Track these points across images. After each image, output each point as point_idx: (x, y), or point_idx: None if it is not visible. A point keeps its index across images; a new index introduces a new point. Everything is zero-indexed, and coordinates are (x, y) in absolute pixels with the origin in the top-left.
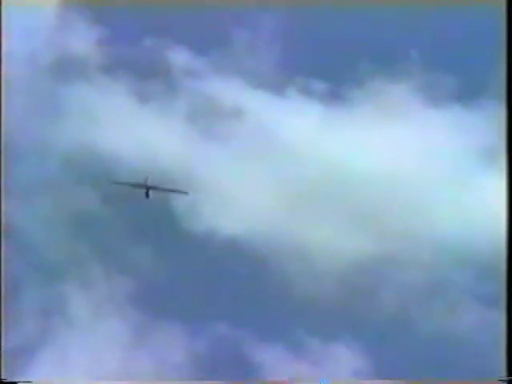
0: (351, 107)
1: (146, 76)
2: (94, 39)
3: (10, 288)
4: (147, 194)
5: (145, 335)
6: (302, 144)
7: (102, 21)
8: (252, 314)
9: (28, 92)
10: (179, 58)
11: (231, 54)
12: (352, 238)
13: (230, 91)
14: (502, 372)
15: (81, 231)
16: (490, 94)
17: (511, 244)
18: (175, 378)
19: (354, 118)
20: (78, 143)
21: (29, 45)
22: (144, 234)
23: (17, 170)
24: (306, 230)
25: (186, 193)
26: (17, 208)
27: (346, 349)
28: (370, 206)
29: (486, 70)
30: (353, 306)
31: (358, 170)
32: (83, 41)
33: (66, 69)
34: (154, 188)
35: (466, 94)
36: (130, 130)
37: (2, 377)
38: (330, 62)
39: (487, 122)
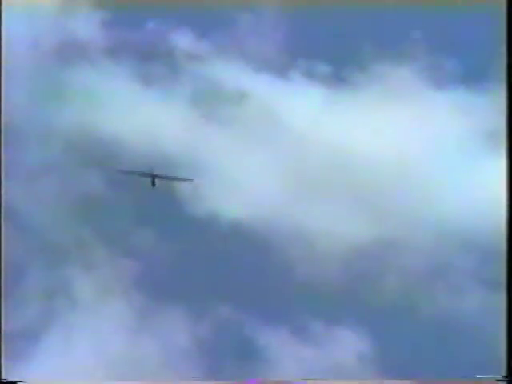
0: (355, 90)
1: (149, 59)
2: (97, 22)
3: (14, 271)
4: (153, 183)
5: (149, 318)
6: (306, 127)
7: (104, 4)
8: (255, 297)
9: (30, 75)
10: (182, 41)
11: (234, 37)
12: (355, 222)
13: (233, 74)
14: (502, 371)
15: (84, 214)
16: (494, 77)
17: None
18: (179, 361)
19: (357, 101)
20: (80, 126)
21: (31, 28)
22: (147, 218)
23: (19, 153)
24: (309, 214)
25: (191, 180)
26: (20, 191)
27: (349, 332)
28: (373, 190)
29: (490, 52)
30: (356, 289)
31: (361, 153)
32: (86, 24)
33: (68, 52)
34: (160, 177)
35: (470, 77)
36: (133, 113)
37: (2, 376)
38: (334, 45)
39: (492, 105)
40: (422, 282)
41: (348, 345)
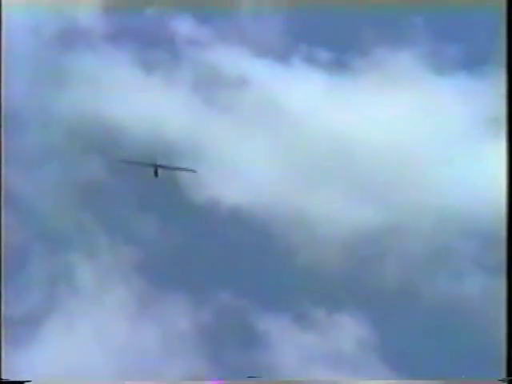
0: (356, 76)
1: (150, 45)
2: (98, 8)
3: (15, 257)
4: (156, 173)
5: (150, 304)
6: (306, 113)
7: None
8: (256, 283)
9: (32, 61)
10: (183, 26)
11: (235, 23)
12: (356, 207)
13: (234, 60)
14: (502, 372)
15: (86, 201)
16: (496, 62)
17: None
18: (180, 349)
19: (358, 86)
20: (82, 112)
21: (32, 15)
22: (148, 204)
23: (21, 140)
24: (309, 200)
25: (195, 171)
26: (21, 177)
27: (350, 318)
28: (374, 176)
29: (491, 38)
30: (357, 275)
31: (361, 138)
32: (87, 10)
33: (69, 38)
34: (163, 167)
35: (472, 62)
36: (135, 99)
37: (2, 376)
38: (335, 31)
39: (494, 91)
40: (422, 267)
41: (349, 331)
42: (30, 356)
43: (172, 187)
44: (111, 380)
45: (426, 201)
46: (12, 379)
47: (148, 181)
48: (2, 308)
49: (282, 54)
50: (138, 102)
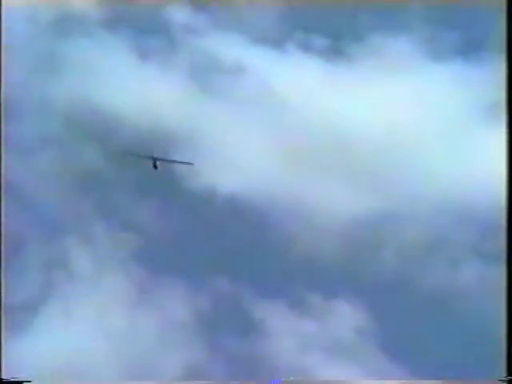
0: (352, 62)
1: (146, 32)
2: None
3: (14, 244)
4: (155, 166)
5: (147, 291)
6: (303, 100)
7: None
8: (253, 271)
9: (28, 49)
10: (179, 13)
11: (231, 10)
12: (352, 194)
13: (230, 47)
14: (502, 372)
15: (84, 188)
16: (493, 49)
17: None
18: (178, 335)
19: (354, 73)
20: (79, 100)
21: (28, 2)
22: (146, 192)
23: (18, 127)
24: (306, 186)
25: (192, 164)
26: (19, 165)
27: (347, 305)
28: (371, 163)
29: (489, 24)
30: (353, 262)
31: (358, 125)
32: None
33: (66, 26)
34: (161, 160)
35: (469, 49)
36: (131, 86)
37: (3, 376)
38: (331, 17)
39: (491, 77)
40: (420, 255)
41: (345, 318)
42: (28, 342)
43: (169, 175)
44: (111, 380)
45: (423, 189)
46: (12, 379)
47: (145, 169)
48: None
49: (278, 41)
50: (135, 89)
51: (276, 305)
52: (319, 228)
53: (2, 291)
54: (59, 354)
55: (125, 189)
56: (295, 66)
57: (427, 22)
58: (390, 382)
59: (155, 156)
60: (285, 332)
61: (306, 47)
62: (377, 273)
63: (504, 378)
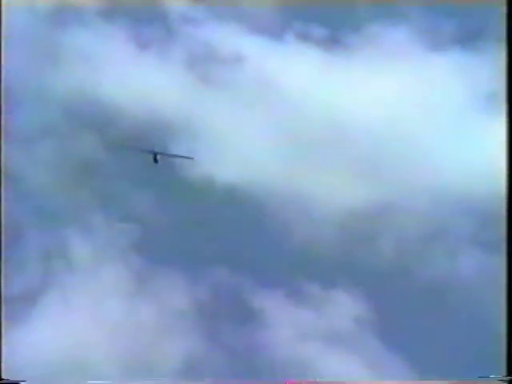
0: (350, 52)
1: (144, 22)
2: None
3: (12, 234)
4: (155, 160)
5: (146, 281)
6: (301, 90)
7: None
8: (252, 260)
9: (27, 39)
10: (177, 3)
11: (230, 0)
12: (351, 185)
13: (228, 37)
14: (502, 372)
15: (82, 177)
16: (492, 38)
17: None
18: (177, 326)
19: (353, 63)
20: (77, 90)
21: None
22: (145, 182)
23: (17, 117)
24: (305, 177)
25: (192, 158)
26: (18, 154)
27: (345, 295)
28: (370, 153)
29: (488, 13)
30: (352, 252)
31: (357, 116)
32: None
33: (64, 15)
34: (162, 154)
35: (468, 38)
36: (129, 76)
37: (3, 376)
38: (329, 7)
39: (490, 67)
40: (419, 245)
41: (344, 308)
42: (27, 332)
43: (168, 166)
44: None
45: (422, 179)
46: (12, 379)
47: (144, 160)
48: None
49: (276, 31)
50: (133, 78)
51: (275, 295)
52: (318, 219)
53: (2, 282)
54: (58, 343)
55: (124, 179)
56: (294, 56)
57: (426, 11)
58: (390, 383)
59: (156, 150)
60: (283, 322)
61: (305, 37)
62: (375, 263)
63: (504, 378)
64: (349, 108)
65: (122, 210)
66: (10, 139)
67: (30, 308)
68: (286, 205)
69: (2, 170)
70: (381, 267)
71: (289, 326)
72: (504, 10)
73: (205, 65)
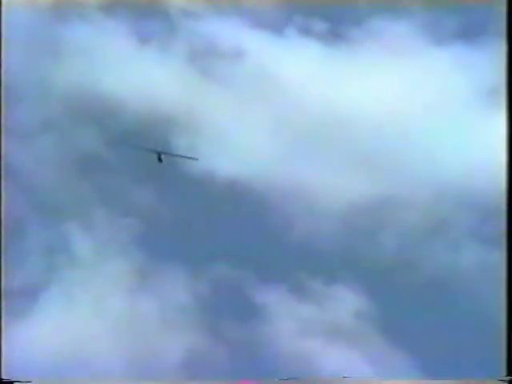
0: (352, 47)
1: (145, 16)
2: None
3: (13, 229)
4: (160, 159)
5: (148, 276)
6: (303, 84)
7: None
8: (253, 255)
9: (27, 33)
10: None
11: None
12: (353, 179)
13: (229, 31)
14: (502, 372)
15: (83, 172)
16: (495, 33)
17: None
18: (178, 321)
19: (354, 57)
20: (78, 84)
21: None
22: (146, 176)
23: (17, 112)
24: (306, 171)
25: (197, 159)
26: (19, 149)
27: (348, 290)
28: (371, 147)
29: (490, 8)
30: (354, 247)
31: (358, 110)
32: None
33: (65, 9)
34: (166, 153)
35: (470, 33)
36: (130, 71)
37: (2, 376)
38: (330, 1)
39: (492, 62)
40: (421, 239)
41: (345, 303)
42: (29, 328)
43: (169, 159)
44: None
45: (423, 172)
46: (13, 375)
47: (145, 154)
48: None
49: (277, 26)
50: (134, 73)
51: (276, 289)
52: (319, 213)
53: (3, 277)
54: (60, 338)
55: (125, 174)
56: (295, 50)
57: (428, 5)
58: (393, 382)
59: (160, 150)
60: (285, 316)
61: (306, 31)
62: (377, 257)
63: (504, 378)
64: (350, 102)
65: (124, 204)
66: (10, 134)
67: (32, 303)
68: (288, 199)
69: (3, 164)
70: (383, 261)
71: (291, 320)
72: (504, 7)
73: (206, 59)
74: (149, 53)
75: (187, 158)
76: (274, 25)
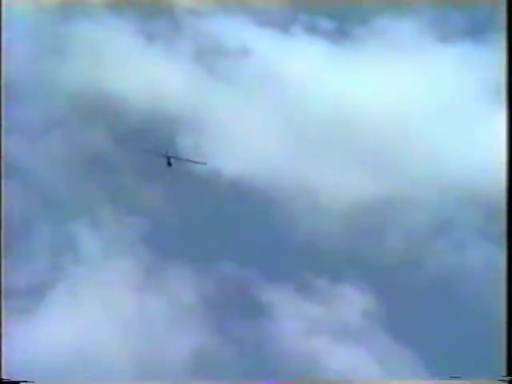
0: (358, 45)
1: (151, 15)
2: None
3: (20, 227)
4: (169, 163)
5: (155, 275)
6: (308, 83)
7: None
8: (259, 254)
9: (34, 32)
10: None
11: None
12: (358, 177)
13: (235, 30)
14: (502, 372)
15: (90, 171)
16: (498, 30)
17: None
18: (185, 319)
19: (360, 55)
20: (84, 83)
21: None
22: (152, 175)
23: (25, 110)
24: (311, 170)
25: (205, 163)
26: (25, 147)
27: (353, 289)
28: (376, 146)
29: (494, 5)
30: (359, 245)
31: (363, 108)
32: None
33: (71, 8)
34: (175, 157)
35: (475, 30)
36: (136, 69)
37: (2, 376)
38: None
39: (496, 59)
40: (425, 238)
41: (352, 302)
42: (36, 326)
43: (178, 163)
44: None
45: (427, 171)
46: (12, 379)
47: (152, 153)
48: (4, 278)
49: (283, 24)
50: (140, 71)
51: (283, 288)
52: (324, 212)
53: (8, 274)
54: (66, 336)
55: (132, 173)
56: (301, 48)
57: (433, 3)
58: (389, 382)
59: (169, 154)
60: (291, 315)
61: (312, 30)
62: (382, 256)
63: (504, 378)
64: (356, 101)
65: (131, 203)
66: (17, 133)
67: (38, 301)
68: (293, 198)
69: (8, 163)
70: (388, 260)
71: (297, 319)
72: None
73: (211, 58)
74: (155, 51)
75: (196, 162)
76: (280, 23)
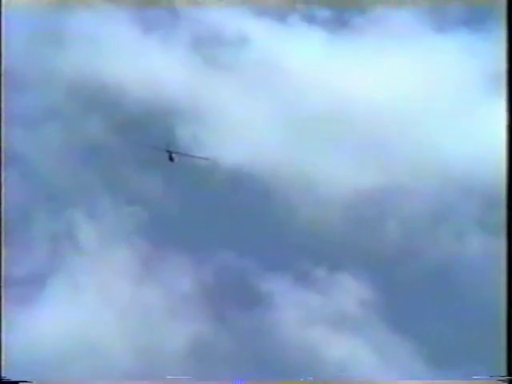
0: (356, 34)
1: (149, 4)
2: None
3: (19, 217)
4: (171, 158)
5: (153, 264)
6: (306, 72)
7: None
8: (258, 244)
9: (31, 22)
10: None
11: None
12: (357, 167)
13: (233, 19)
14: (502, 372)
15: (88, 160)
16: (497, 19)
17: None
18: (184, 309)
19: (358, 44)
20: (82, 72)
21: None
22: (150, 165)
23: (23, 100)
24: (310, 160)
25: (208, 159)
26: (24, 137)
27: (352, 278)
28: (375, 135)
29: None
30: (358, 235)
31: (362, 97)
32: None
33: None
34: (177, 153)
35: (474, 19)
36: (134, 59)
37: (3, 375)
38: None
39: (495, 48)
40: (424, 228)
41: (351, 291)
42: (35, 315)
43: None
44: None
45: (426, 161)
46: (13, 379)
47: (149, 141)
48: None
49: (281, 13)
50: (138, 61)
51: (281, 278)
52: (324, 201)
53: (8, 263)
54: (66, 326)
55: (130, 162)
56: (298, 37)
57: None
58: (389, 382)
59: (171, 149)
60: (290, 305)
61: (310, 19)
62: (381, 246)
63: (504, 378)
64: (354, 89)
65: (129, 193)
66: (15, 122)
67: (37, 291)
68: (292, 187)
69: (7, 152)
70: (387, 249)
71: (295, 309)
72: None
73: (209, 47)
74: (153, 41)
75: (199, 157)
76: (278, 12)
